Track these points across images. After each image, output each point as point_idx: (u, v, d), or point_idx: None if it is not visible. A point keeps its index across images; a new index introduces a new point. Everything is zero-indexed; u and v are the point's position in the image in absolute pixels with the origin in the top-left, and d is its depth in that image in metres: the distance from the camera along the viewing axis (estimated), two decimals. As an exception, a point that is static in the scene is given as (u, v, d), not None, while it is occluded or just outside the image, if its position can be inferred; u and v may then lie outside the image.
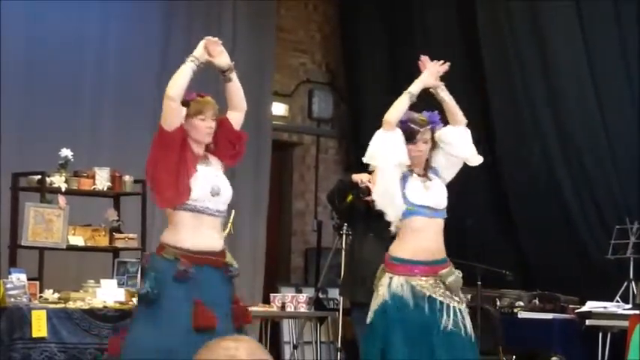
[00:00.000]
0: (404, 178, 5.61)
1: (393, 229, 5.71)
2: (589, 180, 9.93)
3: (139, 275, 7.80)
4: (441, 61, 5.67)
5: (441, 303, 5.52)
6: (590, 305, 8.68)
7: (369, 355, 5.59)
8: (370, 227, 6.89)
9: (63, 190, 8.00)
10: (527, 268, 10.24)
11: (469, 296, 8.59)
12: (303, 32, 11.93)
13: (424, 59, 5.71)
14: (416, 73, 5.73)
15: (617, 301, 8.77)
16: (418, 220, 5.59)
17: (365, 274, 6.35)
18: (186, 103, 5.10)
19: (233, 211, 5.67)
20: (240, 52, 10.42)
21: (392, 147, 5.51)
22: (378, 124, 5.61)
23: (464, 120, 5.72)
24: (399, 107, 5.57)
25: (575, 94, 10.03)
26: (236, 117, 5.26)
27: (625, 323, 8.15)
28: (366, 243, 6.98)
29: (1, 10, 8.85)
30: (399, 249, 5.63)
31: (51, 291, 7.51)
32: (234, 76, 5.20)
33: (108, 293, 7.59)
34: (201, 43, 5.14)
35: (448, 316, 5.50)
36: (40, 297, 7.43)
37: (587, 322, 8.56)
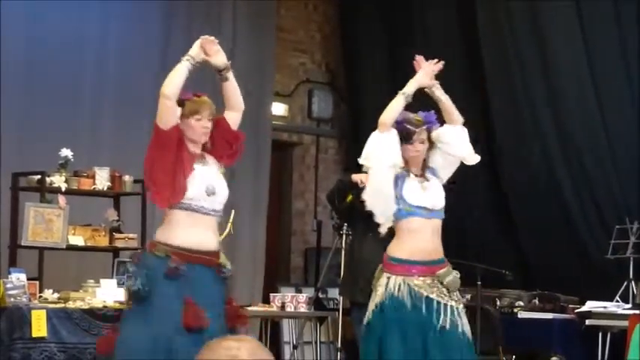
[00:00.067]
0: (401, 179, 5.61)
1: (382, 230, 5.71)
2: (589, 180, 9.93)
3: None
4: (435, 60, 5.66)
5: (438, 303, 5.52)
6: (590, 305, 8.68)
7: (367, 355, 5.60)
8: (370, 227, 6.86)
9: (63, 190, 8.01)
10: (527, 268, 10.24)
11: (469, 296, 8.60)
12: (303, 32, 11.93)
13: (419, 59, 5.70)
14: (416, 73, 5.72)
15: (617, 301, 8.77)
16: (415, 221, 5.59)
17: (365, 274, 6.35)
18: (182, 103, 5.09)
19: (233, 211, 5.67)
20: (240, 52, 10.43)
21: (386, 148, 5.51)
22: (377, 125, 5.61)
23: (460, 119, 5.71)
24: (394, 108, 5.56)
25: (575, 94, 10.02)
26: (233, 117, 5.23)
27: (625, 323, 8.15)
28: (366, 243, 6.98)
29: (1, 10, 8.85)
30: (396, 249, 5.63)
31: (51, 291, 7.51)
32: (230, 75, 5.17)
33: (108, 293, 7.59)
34: (197, 42, 5.12)
35: (445, 315, 5.50)
36: (40, 297, 7.44)
37: (587, 322, 8.55)
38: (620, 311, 8.48)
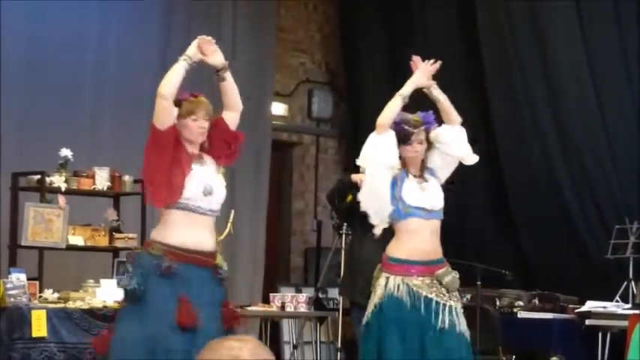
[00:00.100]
0: (400, 180, 5.61)
1: (376, 232, 5.71)
2: (589, 180, 9.93)
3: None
4: (432, 60, 5.66)
5: (437, 303, 5.52)
6: (590, 305, 8.68)
7: (366, 355, 5.60)
8: (370, 227, 6.87)
9: (63, 189, 8.01)
10: (527, 268, 10.24)
11: (469, 296, 8.60)
12: (303, 32, 11.93)
13: (415, 59, 5.69)
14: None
15: (617, 301, 8.77)
16: (414, 222, 5.59)
17: (365, 273, 6.34)
18: (179, 103, 5.08)
19: (233, 211, 5.66)
20: (240, 52, 10.44)
21: (384, 150, 5.50)
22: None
23: (459, 119, 5.70)
24: (392, 110, 5.55)
25: (575, 94, 10.02)
26: (231, 117, 5.22)
27: (625, 323, 8.14)
28: (366, 243, 6.97)
29: (1, 10, 8.85)
30: (395, 249, 5.63)
31: (51, 291, 7.51)
32: (228, 75, 5.16)
33: (108, 293, 7.59)
34: (194, 42, 5.11)
35: (444, 315, 5.50)
36: (40, 297, 7.44)
37: (587, 321, 8.55)
38: (619, 311, 8.48)
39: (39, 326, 7.00)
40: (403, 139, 5.59)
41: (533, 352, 8.62)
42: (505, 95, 10.48)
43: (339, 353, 8.95)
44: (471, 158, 5.77)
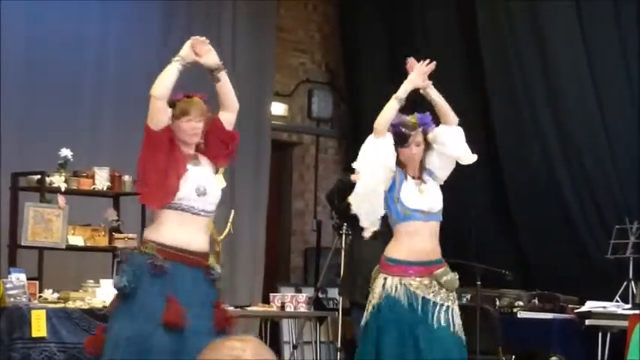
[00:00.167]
0: (399, 182, 5.60)
1: (366, 235, 5.71)
2: (589, 180, 9.93)
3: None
4: (427, 61, 5.65)
5: (435, 303, 5.52)
6: (590, 305, 8.68)
7: (364, 356, 5.60)
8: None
9: (62, 190, 8.01)
10: (527, 268, 10.24)
11: (469, 296, 8.60)
12: (302, 32, 11.93)
13: (411, 61, 5.68)
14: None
15: (617, 301, 8.77)
16: (413, 224, 5.58)
17: (364, 273, 6.34)
18: (173, 104, 5.07)
19: (233, 211, 5.66)
20: (240, 52, 10.44)
21: (381, 153, 5.50)
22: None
23: (456, 119, 5.69)
24: (388, 113, 5.54)
25: (575, 94, 10.02)
26: (228, 117, 5.19)
27: (624, 323, 8.14)
28: (366, 243, 6.97)
29: (1, 10, 8.85)
30: (394, 250, 5.63)
31: (50, 291, 7.51)
32: (223, 75, 5.12)
33: (107, 293, 7.57)
34: (188, 43, 5.11)
35: (439, 315, 5.50)
36: (40, 297, 7.44)
37: (587, 322, 8.55)
38: (619, 311, 8.48)
39: (39, 326, 7.00)
40: (401, 141, 5.58)
41: (533, 352, 8.61)
42: (505, 95, 10.48)
43: (338, 353, 8.95)
44: (470, 158, 5.76)
